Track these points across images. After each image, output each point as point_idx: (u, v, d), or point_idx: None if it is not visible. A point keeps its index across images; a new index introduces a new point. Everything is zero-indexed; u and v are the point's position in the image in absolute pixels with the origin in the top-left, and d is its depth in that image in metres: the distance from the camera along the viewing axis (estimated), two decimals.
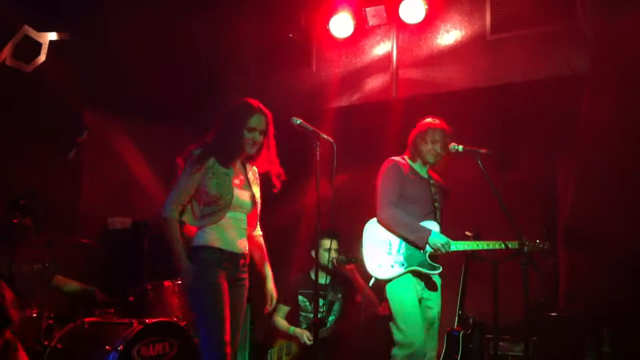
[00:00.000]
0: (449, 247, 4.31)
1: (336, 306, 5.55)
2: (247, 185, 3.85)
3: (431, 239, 4.31)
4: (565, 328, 5.00)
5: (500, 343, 5.14)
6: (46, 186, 4.93)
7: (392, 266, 4.37)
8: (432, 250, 4.33)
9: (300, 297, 5.57)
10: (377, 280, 4.41)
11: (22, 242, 4.82)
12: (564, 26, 5.50)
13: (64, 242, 5.10)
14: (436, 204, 4.51)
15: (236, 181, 3.77)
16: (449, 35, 6.08)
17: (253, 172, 3.94)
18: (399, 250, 4.40)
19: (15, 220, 4.77)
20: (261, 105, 3.79)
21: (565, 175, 5.55)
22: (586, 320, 4.98)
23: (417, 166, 4.59)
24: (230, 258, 3.72)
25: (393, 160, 4.57)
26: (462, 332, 4.85)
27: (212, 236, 3.68)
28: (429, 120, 4.55)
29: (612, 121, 5.12)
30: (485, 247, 4.36)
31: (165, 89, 6.47)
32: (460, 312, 4.95)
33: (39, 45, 6.03)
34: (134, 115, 6.57)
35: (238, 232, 3.78)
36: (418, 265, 4.36)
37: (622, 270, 5.01)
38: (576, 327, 5.00)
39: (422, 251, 4.36)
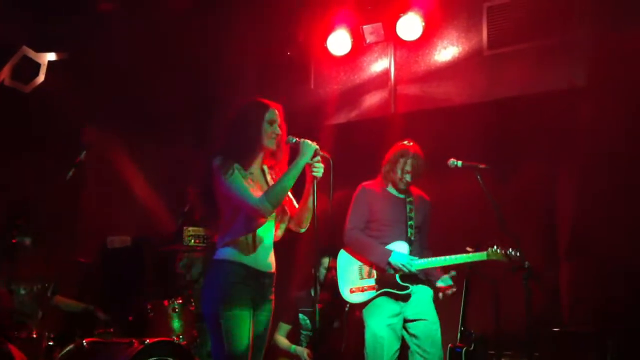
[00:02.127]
0: (411, 267, 4.33)
1: (336, 324, 5.52)
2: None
3: (392, 259, 4.33)
4: (568, 342, 4.98)
5: (503, 359, 5.11)
6: (45, 205, 4.93)
7: (364, 290, 4.43)
8: (393, 271, 4.35)
9: (301, 316, 5.55)
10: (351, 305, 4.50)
11: (21, 261, 4.81)
12: (560, 40, 5.52)
13: (63, 262, 5.09)
14: (410, 222, 4.49)
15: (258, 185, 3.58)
16: (447, 51, 6.11)
17: (271, 176, 3.72)
18: (370, 274, 4.45)
19: (14, 240, 4.76)
20: (270, 101, 3.70)
21: (565, 189, 5.55)
22: (589, 333, 4.96)
23: (390, 189, 4.60)
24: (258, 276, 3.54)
25: (363, 186, 4.63)
26: (464, 349, 4.81)
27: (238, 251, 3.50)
28: (402, 145, 4.56)
29: (611, 133, 5.14)
30: (451, 262, 4.34)
31: (165, 107, 6.50)
32: (462, 329, 4.93)
33: (37, 66, 6.06)
34: (134, 133, 6.58)
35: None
36: (389, 287, 4.38)
37: (625, 282, 4.99)
38: (579, 340, 4.97)
39: (390, 272, 4.37)
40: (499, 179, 4.92)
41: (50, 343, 4.61)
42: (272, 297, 3.62)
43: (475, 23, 5.98)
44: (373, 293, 4.40)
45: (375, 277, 4.42)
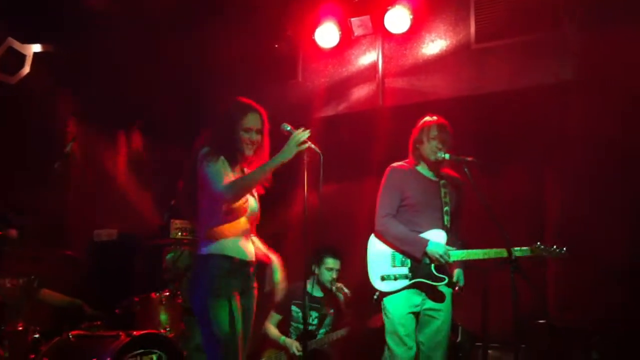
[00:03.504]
0: (449, 257, 4.15)
1: (328, 320, 5.52)
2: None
3: (429, 249, 4.17)
4: (554, 336, 5.01)
5: (490, 351, 5.13)
6: (32, 198, 4.89)
7: (397, 279, 4.26)
8: (429, 261, 4.21)
9: (293, 307, 5.54)
10: (379, 294, 4.31)
11: (7, 255, 4.77)
12: (548, 35, 5.55)
13: (50, 255, 5.05)
14: (446, 208, 4.34)
15: None
16: (434, 44, 6.11)
17: None
18: (403, 262, 4.28)
19: (0, 233, 4.72)
20: (254, 103, 3.71)
21: (552, 184, 5.58)
22: (575, 328, 4.99)
23: (422, 169, 4.43)
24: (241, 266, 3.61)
25: (392, 167, 4.44)
26: (452, 341, 4.83)
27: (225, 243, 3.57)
28: (425, 119, 4.43)
29: (598, 128, 5.17)
30: (491, 256, 4.14)
31: (152, 100, 6.46)
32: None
33: (23, 57, 6.00)
34: (122, 129, 6.55)
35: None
36: (423, 277, 4.23)
37: (611, 278, 5.03)
38: (565, 335, 5.01)
39: (426, 262, 4.23)
40: (487, 173, 4.93)
41: (36, 336, 4.58)
42: (255, 284, 3.70)
43: (463, 16, 5.99)
44: (406, 282, 4.23)
45: (409, 265, 4.25)
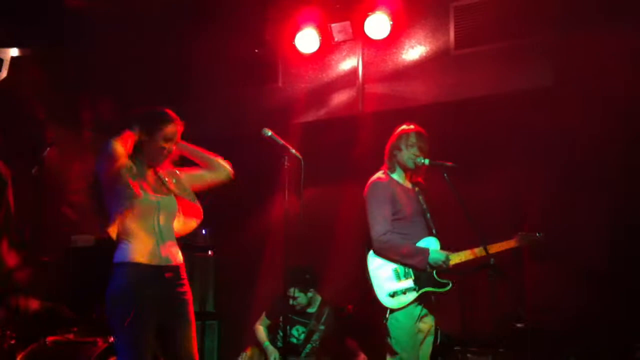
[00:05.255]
0: (449, 262, 4.18)
1: (315, 336, 5.45)
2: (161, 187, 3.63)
3: (431, 259, 4.17)
4: (532, 339, 5.04)
5: (468, 355, 5.14)
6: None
7: (405, 293, 4.19)
8: (430, 270, 4.20)
9: (281, 316, 5.47)
10: (390, 311, 4.20)
11: None
12: (526, 41, 5.60)
13: (26, 261, 4.99)
14: (428, 215, 4.36)
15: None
16: (414, 50, 6.15)
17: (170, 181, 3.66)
18: (407, 274, 4.23)
19: None
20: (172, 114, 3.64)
21: (531, 189, 5.63)
22: (553, 331, 5.03)
23: (398, 177, 4.43)
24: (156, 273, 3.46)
25: (373, 181, 4.38)
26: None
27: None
28: (402, 127, 4.44)
29: (576, 135, 5.23)
30: (482, 254, 4.19)
31: (132, 105, 6.41)
32: None
33: (0, 62, 5.93)
34: (99, 132, 6.49)
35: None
36: (429, 286, 4.21)
37: (588, 281, 5.08)
38: (543, 338, 5.04)
39: (428, 270, 4.21)
40: (466, 178, 4.96)
41: (12, 342, 4.51)
42: (182, 289, 3.52)
43: (443, 23, 6.03)
44: (414, 295, 4.19)
45: (412, 277, 4.21)
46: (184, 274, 3.57)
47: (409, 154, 4.34)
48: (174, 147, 3.60)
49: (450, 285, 4.22)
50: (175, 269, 3.52)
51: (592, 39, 5.09)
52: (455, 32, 5.97)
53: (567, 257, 5.15)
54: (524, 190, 5.70)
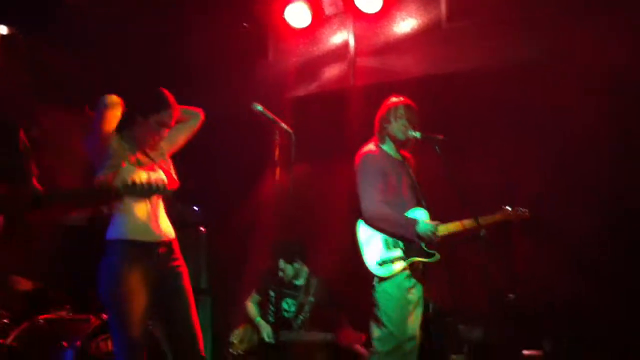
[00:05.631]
0: (438, 233, 4.21)
1: (306, 308, 5.48)
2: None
3: (419, 229, 4.20)
4: (523, 313, 5.07)
5: (459, 326, 5.18)
6: None
7: (393, 262, 4.23)
8: (419, 240, 4.24)
9: (270, 291, 5.51)
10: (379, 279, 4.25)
11: None
12: (519, 14, 5.55)
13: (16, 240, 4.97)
14: (417, 187, 4.40)
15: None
16: (406, 23, 6.10)
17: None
18: (396, 244, 4.27)
19: None
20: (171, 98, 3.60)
21: (522, 163, 5.62)
22: (544, 305, 5.07)
23: (388, 148, 4.44)
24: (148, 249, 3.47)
25: (364, 153, 4.40)
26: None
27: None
28: (391, 99, 4.45)
29: (567, 111, 5.21)
30: (470, 225, 4.24)
31: (118, 84, 6.35)
32: None
33: None
34: (88, 114, 6.44)
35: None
36: (417, 255, 4.26)
37: (577, 264, 5.10)
38: (534, 311, 5.08)
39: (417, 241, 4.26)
40: (456, 152, 4.95)
41: (6, 321, 4.51)
42: (176, 263, 3.55)
43: None
44: (403, 264, 4.23)
45: (401, 247, 4.26)
46: (177, 248, 3.58)
47: (398, 126, 4.36)
48: (166, 133, 3.56)
49: (438, 255, 4.26)
50: (167, 244, 3.53)
51: (587, 12, 5.05)
52: (447, 4, 5.93)
53: (557, 236, 5.17)
54: (514, 164, 5.69)
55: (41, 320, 4.56)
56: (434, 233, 4.20)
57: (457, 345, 5.10)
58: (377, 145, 4.45)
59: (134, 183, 3.41)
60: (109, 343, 4.45)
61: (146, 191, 3.48)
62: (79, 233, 6.27)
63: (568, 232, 5.15)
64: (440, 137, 4.25)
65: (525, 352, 4.96)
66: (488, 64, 5.66)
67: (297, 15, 6.26)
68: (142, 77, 6.61)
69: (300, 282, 5.54)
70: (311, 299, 5.49)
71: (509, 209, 4.42)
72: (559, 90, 5.22)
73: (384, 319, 4.20)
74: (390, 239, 4.27)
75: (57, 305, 4.92)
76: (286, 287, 5.45)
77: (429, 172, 4.48)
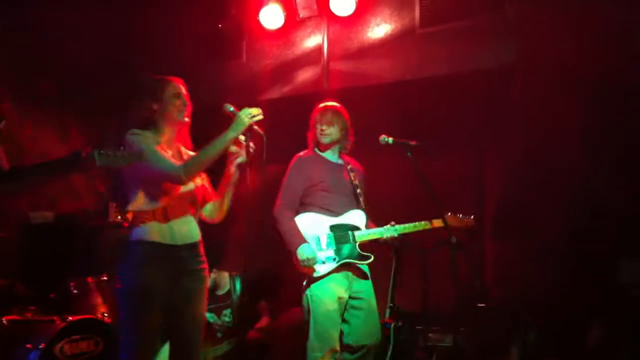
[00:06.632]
0: (314, 264, 4.18)
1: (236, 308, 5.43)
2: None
3: (299, 250, 4.19)
4: (492, 318, 5.10)
5: (430, 334, 5.19)
6: None
7: (324, 262, 4.23)
8: (353, 241, 4.29)
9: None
10: (308, 280, 4.28)
11: None
12: (491, 18, 5.58)
13: None
14: (358, 190, 4.44)
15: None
16: (379, 28, 6.11)
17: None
18: (328, 244, 4.28)
19: None
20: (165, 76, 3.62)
21: (493, 167, 5.66)
22: (512, 309, 5.09)
23: (324, 154, 4.53)
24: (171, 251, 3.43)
25: (297, 156, 4.52)
26: (393, 324, 4.86)
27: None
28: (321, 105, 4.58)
29: (538, 112, 5.25)
30: (401, 231, 4.34)
31: (91, 81, 6.28)
32: (391, 304, 4.97)
33: None
34: (59, 107, 6.35)
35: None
36: (349, 258, 4.28)
37: (547, 260, 5.14)
38: (503, 316, 5.10)
39: (351, 242, 4.30)
40: (429, 156, 4.97)
41: None
42: (201, 266, 3.52)
43: (408, 1, 6.00)
44: (333, 265, 4.23)
45: (334, 247, 4.26)
46: (201, 250, 3.54)
47: (318, 132, 4.48)
48: (188, 101, 3.57)
49: (371, 259, 4.30)
50: (190, 247, 3.49)
51: (558, 15, 5.10)
52: (420, 10, 5.94)
53: (528, 236, 5.20)
54: (485, 168, 5.73)
55: (5, 322, 4.47)
56: (308, 260, 4.15)
57: (426, 353, 5.11)
58: (312, 150, 4.56)
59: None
60: (75, 345, 4.38)
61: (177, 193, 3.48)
62: (44, 230, 6.18)
63: (540, 230, 5.18)
64: (413, 142, 4.26)
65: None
66: (460, 68, 5.69)
67: (271, 17, 6.24)
68: (112, 75, 6.55)
69: (224, 290, 5.46)
70: (235, 298, 5.44)
71: (452, 215, 4.47)
72: (530, 93, 5.27)
73: (311, 329, 4.21)
74: (322, 241, 4.28)
75: (22, 305, 4.83)
76: (216, 302, 5.37)
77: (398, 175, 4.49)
